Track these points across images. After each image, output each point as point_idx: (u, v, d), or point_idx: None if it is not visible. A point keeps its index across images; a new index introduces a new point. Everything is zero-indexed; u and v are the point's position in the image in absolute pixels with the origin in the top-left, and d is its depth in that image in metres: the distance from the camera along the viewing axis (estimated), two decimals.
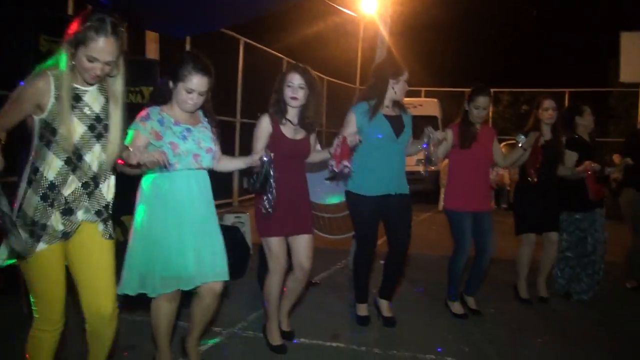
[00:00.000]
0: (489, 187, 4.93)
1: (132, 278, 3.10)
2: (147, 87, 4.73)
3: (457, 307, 4.79)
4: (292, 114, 3.82)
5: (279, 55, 12.54)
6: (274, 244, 3.79)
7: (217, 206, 3.55)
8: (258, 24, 12.68)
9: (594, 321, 4.73)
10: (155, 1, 5.21)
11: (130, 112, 2.91)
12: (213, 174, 3.41)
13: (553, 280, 5.39)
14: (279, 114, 3.79)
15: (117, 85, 2.69)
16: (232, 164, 3.62)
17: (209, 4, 5.26)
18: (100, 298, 2.72)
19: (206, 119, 3.35)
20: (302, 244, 3.89)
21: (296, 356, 3.83)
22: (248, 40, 10.71)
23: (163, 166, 2.86)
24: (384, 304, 4.53)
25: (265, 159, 3.30)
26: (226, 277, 3.29)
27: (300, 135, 3.87)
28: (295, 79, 3.75)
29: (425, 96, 16.92)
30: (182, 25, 5.78)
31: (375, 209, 4.26)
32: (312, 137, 3.96)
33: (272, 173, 3.34)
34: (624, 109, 19.69)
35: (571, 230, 5.26)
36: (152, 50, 7.27)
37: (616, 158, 6.05)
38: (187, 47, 8.97)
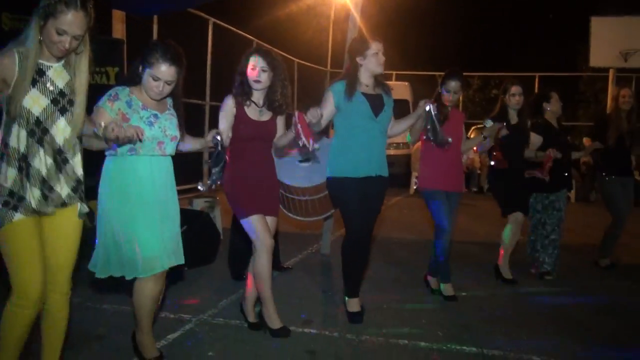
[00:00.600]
0: (461, 168, 4.93)
1: (105, 261, 3.12)
2: (113, 67, 4.63)
3: (447, 289, 4.81)
4: (257, 96, 3.81)
5: (249, 37, 12.37)
6: (255, 222, 3.74)
7: (187, 190, 3.51)
8: (228, 5, 12.51)
9: (571, 305, 4.76)
10: None
11: (96, 93, 2.98)
12: (184, 159, 3.39)
13: (536, 263, 5.53)
14: (242, 95, 3.77)
15: (83, 62, 2.73)
16: (189, 145, 3.54)
17: None
18: (59, 276, 2.78)
19: (173, 106, 3.34)
20: (270, 225, 3.87)
21: (267, 343, 3.77)
22: (217, 21, 10.52)
23: (135, 142, 2.90)
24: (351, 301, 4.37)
25: (217, 138, 3.36)
26: (182, 261, 3.32)
27: (265, 117, 3.84)
28: (259, 62, 3.71)
29: (396, 80, 16.92)
30: (150, 3, 5.63)
31: (360, 192, 4.11)
32: (280, 120, 3.92)
33: (222, 154, 3.40)
34: (593, 94, 19.97)
35: (550, 212, 5.40)
36: (118, 31, 7.14)
37: (586, 142, 6.12)
38: (155, 28, 8.78)
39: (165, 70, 3.07)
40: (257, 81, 3.71)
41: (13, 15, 4.24)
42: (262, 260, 3.76)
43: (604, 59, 12.61)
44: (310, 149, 3.56)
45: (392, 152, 12.25)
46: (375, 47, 4.07)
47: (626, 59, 12.36)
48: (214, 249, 5.75)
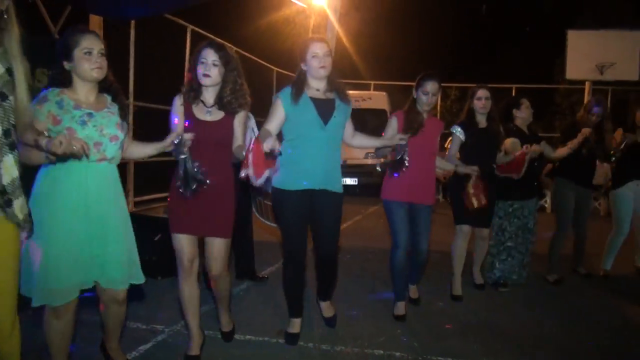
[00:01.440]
0: (432, 179, 4.61)
1: (24, 280, 2.75)
2: None
3: (398, 307, 4.53)
4: (207, 93, 3.48)
5: (227, 44, 12.32)
6: (178, 242, 3.45)
7: (156, 200, 3.43)
8: (207, 12, 12.46)
9: (545, 316, 4.76)
10: None
11: None
12: (163, 165, 3.28)
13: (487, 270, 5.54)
14: (191, 93, 3.45)
15: (13, 42, 2.38)
16: (143, 151, 3.32)
17: None
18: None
19: (114, 104, 3.05)
20: (215, 247, 3.52)
21: (241, 353, 3.72)
22: (195, 28, 10.45)
23: (81, 157, 2.65)
24: (323, 305, 4.29)
25: (175, 142, 3.08)
26: (125, 285, 3.05)
27: (216, 117, 3.46)
28: (210, 55, 3.39)
29: (374, 89, 16.96)
30: (126, 8, 5.58)
31: (299, 206, 3.75)
32: (237, 120, 3.51)
33: (184, 157, 3.14)
34: (569, 105, 20.26)
35: (511, 219, 5.38)
36: None
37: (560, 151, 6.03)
38: (132, 33, 8.69)
39: (90, 41, 2.89)
40: (207, 75, 3.38)
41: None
42: (181, 287, 3.51)
43: (580, 71, 12.79)
44: (254, 183, 3.17)
45: (369, 161, 12.28)
46: (313, 49, 3.73)
47: (602, 71, 12.55)
48: None
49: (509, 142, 5.09)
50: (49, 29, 7.38)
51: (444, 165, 4.91)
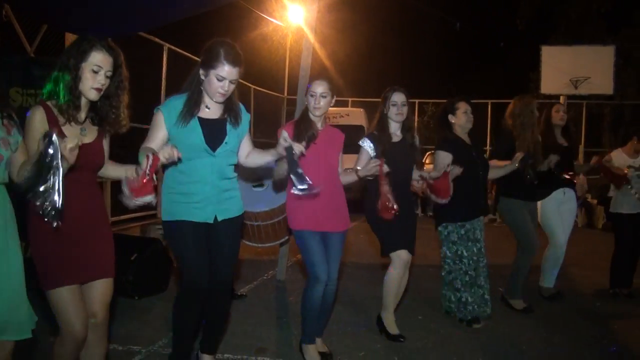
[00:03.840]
0: (341, 202, 3.92)
1: None
2: None
3: (310, 353, 3.89)
4: (82, 107, 2.79)
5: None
6: (61, 299, 2.68)
7: (133, 219, 3.31)
8: (184, 31, 12.42)
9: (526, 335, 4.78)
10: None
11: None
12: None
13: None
14: (68, 105, 2.72)
15: None
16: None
17: (125, 4, 5.06)
18: None
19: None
20: (99, 290, 2.86)
21: None
22: (172, 47, 10.43)
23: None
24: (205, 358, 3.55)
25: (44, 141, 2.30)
26: (13, 336, 2.53)
27: (89, 137, 2.81)
28: (104, 62, 2.74)
29: (352, 106, 17.03)
30: (103, 26, 5.56)
31: (197, 239, 3.19)
32: (106, 141, 2.93)
33: (53, 163, 2.25)
34: (545, 119, 20.46)
35: (466, 244, 4.67)
36: None
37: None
38: None
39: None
40: (98, 89, 2.74)
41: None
42: (63, 351, 2.76)
43: (554, 86, 13.02)
44: (131, 205, 2.67)
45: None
46: (222, 69, 3.06)
47: (576, 86, 12.78)
48: (166, 277, 5.62)
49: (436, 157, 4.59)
50: (25, 48, 7.31)
51: (346, 179, 3.99)
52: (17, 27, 7.25)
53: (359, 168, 3.93)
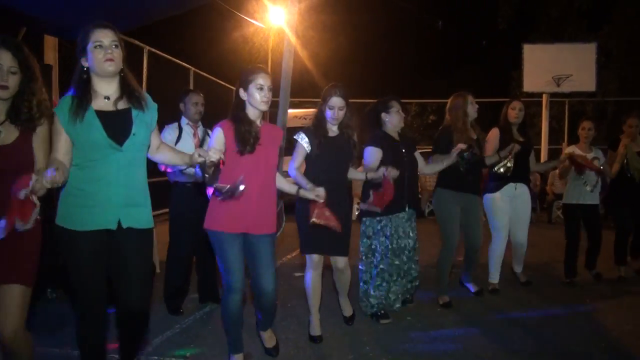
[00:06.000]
0: (270, 202, 3.63)
1: None
2: None
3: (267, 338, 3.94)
4: (4, 107, 2.75)
5: (186, 65, 12.20)
6: None
7: None
8: (164, 33, 12.33)
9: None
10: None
11: None
12: None
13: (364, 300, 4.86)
14: None
15: None
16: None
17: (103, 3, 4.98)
18: None
19: None
20: (7, 296, 2.68)
21: None
22: (152, 49, 10.33)
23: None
24: None
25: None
26: None
27: (9, 138, 2.71)
28: (3, 61, 2.68)
29: None
30: (78, 29, 5.49)
31: (95, 251, 2.85)
32: (37, 138, 2.80)
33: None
34: (528, 118, 20.56)
35: (380, 238, 4.68)
36: (50, 59, 7.05)
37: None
38: None
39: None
40: (3, 86, 2.67)
41: None
42: None
43: (537, 84, 13.10)
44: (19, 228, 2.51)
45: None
46: (96, 37, 2.81)
47: (558, 84, 12.85)
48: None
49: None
50: None
51: (280, 185, 3.82)
52: None
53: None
